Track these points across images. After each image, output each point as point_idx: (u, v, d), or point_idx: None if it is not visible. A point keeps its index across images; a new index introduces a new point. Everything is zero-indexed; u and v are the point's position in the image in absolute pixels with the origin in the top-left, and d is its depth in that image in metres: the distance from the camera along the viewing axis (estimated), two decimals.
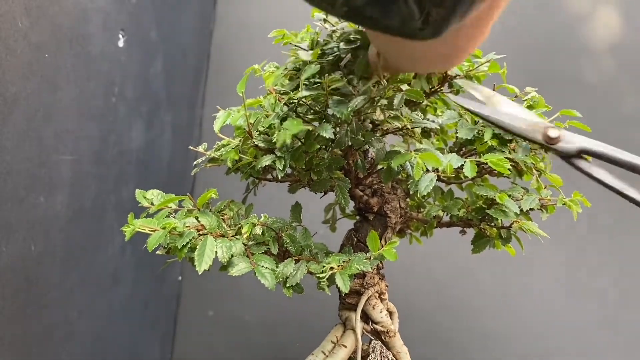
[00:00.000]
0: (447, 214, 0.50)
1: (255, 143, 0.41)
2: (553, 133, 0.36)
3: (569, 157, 0.36)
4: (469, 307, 0.90)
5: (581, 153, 0.35)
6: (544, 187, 0.47)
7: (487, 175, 0.48)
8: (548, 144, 0.36)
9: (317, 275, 0.39)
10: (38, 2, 0.50)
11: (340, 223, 0.58)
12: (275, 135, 0.38)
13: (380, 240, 0.48)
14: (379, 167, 0.40)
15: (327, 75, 0.37)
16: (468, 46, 0.29)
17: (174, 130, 0.87)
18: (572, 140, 0.36)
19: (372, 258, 0.39)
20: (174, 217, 0.41)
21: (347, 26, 0.41)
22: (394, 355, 0.47)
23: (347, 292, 0.38)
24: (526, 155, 0.43)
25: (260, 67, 0.44)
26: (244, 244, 0.39)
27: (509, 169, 0.41)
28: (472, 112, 0.39)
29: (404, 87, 0.39)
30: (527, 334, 0.88)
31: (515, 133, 0.37)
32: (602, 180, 0.35)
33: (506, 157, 0.41)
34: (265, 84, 0.42)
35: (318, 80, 0.39)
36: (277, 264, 0.39)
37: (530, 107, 0.47)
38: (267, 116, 0.40)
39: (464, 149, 0.47)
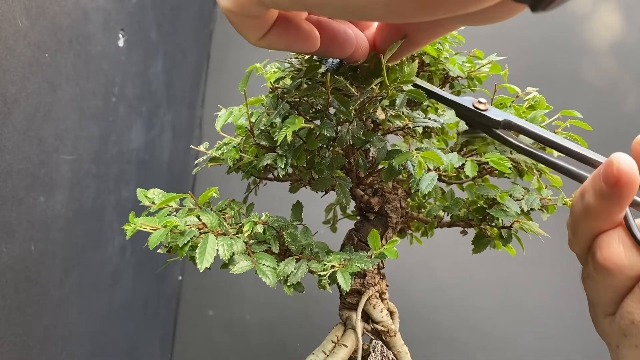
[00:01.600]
0: (447, 214, 0.50)
1: (257, 142, 0.41)
2: (482, 101, 0.41)
3: (495, 127, 0.41)
4: (469, 307, 0.90)
5: (505, 125, 0.40)
6: (544, 187, 0.47)
7: (487, 175, 0.49)
8: (478, 110, 0.41)
9: (318, 273, 0.39)
10: (38, 2, 0.50)
11: (340, 223, 0.58)
12: (276, 133, 0.37)
13: (381, 239, 0.48)
14: (380, 166, 0.40)
15: (329, 74, 0.37)
16: None
17: (174, 130, 0.87)
18: (498, 114, 0.41)
19: (373, 257, 0.39)
20: (175, 216, 0.41)
21: None
22: (394, 355, 0.47)
23: (348, 290, 0.38)
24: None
25: (262, 65, 0.44)
26: (245, 242, 0.39)
27: (509, 169, 0.41)
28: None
29: (407, 87, 0.39)
30: (527, 333, 0.89)
31: (451, 100, 0.41)
32: (519, 146, 0.40)
33: (507, 157, 0.41)
34: (268, 82, 0.42)
35: (321, 78, 0.39)
36: (278, 262, 0.39)
37: (531, 108, 0.47)
38: (268, 114, 0.40)
39: (464, 148, 0.47)
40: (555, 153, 0.41)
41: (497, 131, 0.41)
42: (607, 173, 0.30)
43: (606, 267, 0.32)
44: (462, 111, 0.41)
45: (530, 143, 0.42)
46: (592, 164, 0.37)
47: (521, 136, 0.42)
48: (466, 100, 0.41)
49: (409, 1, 0.25)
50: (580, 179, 0.37)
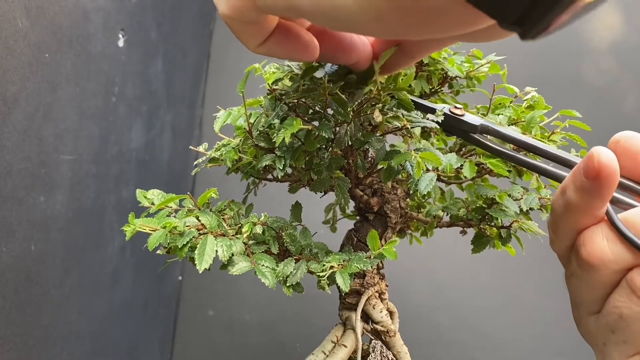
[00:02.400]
0: (447, 214, 0.50)
1: (255, 143, 0.41)
2: (458, 106, 0.41)
3: (473, 132, 0.40)
4: (468, 307, 0.90)
5: (482, 129, 0.40)
6: (543, 186, 0.47)
7: (487, 175, 0.49)
8: (456, 115, 0.40)
9: (317, 274, 0.39)
10: (38, 2, 0.50)
11: (340, 223, 0.58)
12: (274, 135, 0.38)
13: (381, 240, 0.48)
14: (379, 167, 0.40)
15: (326, 76, 0.37)
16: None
17: (174, 130, 0.87)
18: (474, 119, 0.40)
19: (372, 257, 0.39)
20: (174, 217, 0.41)
21: None
22: (394, 355, 0.47)
23: (347, 291, 0.38)
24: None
25: (261, 66, 0.44)
26: (244, 243, 0.39)
27: (508, 170, 0.41)
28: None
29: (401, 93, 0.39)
30: (526, 333, 0.89)
31: (427, 106, 0.41)
32: (497, 149, 0.40)
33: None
34: (266, 83, 0.42)
35: (318, 80, 0.39)
36: (277, 263, 0.39)
37: (530, 108, 0.47)
38: (267, 116, 0.40)
39: (463, 149, 0.47)
40: (534, 155, 0.41)
41: (475, 136, 0.40)
42: (587, 167, 0.30)
43: (591, 263, 0.31)
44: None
45: (508, 147, 0.41)
46: (570, 165, 0.37)
47: (499, 140, 0.42)
48: (444, 108, 0.41)
49: (399, 20, 0.26)
50: (559, 179, 0.37)
